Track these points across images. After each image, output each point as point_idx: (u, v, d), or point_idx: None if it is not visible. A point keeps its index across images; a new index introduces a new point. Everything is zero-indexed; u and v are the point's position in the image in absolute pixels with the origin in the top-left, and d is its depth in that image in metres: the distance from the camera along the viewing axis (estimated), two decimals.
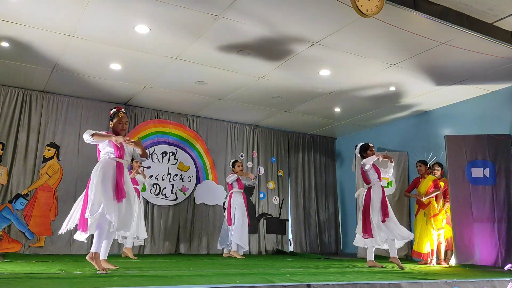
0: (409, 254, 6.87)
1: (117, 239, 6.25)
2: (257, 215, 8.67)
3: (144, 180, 6.70)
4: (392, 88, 6.79)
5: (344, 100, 7.40)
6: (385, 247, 5.33)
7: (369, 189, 5.36)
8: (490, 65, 5.77)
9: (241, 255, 6.81)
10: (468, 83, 6.46)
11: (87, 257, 3.78)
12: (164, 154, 8.03)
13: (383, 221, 5.13)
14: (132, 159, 4.28)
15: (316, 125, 9.09)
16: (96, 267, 3.73)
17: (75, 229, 3.83)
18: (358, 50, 5.51)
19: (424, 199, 6.37)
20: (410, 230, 7.35)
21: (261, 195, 8.83)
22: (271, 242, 8.70)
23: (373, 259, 5.27)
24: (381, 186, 5.37)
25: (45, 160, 6.98)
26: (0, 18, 4.82)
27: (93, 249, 3.76)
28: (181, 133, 8.26)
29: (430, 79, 6.37)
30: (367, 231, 5.17)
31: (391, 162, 5.48)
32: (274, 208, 8.94)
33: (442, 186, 6.55)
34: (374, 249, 5.30)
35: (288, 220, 9.07)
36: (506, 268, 5.30)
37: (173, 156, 8.11)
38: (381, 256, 6.17)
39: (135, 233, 6.11)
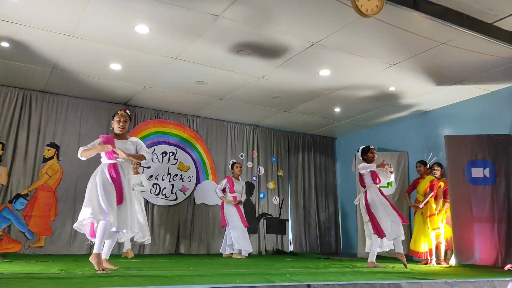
0: (408, 253, 6.87)
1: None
2: (257, 215, 8.67)
3: (143, 180, 6.69)
4: (392, 88, 6.79)
5: (344, 100, 7.40)
6: (386, 249, 5.36)
7: (365, 192, 5.44)
8: (490, 65, 5.77)
9: (241, 255, 6.81)
10: (468, 83, 6.46)
11: (90, 258, 3.80)
12: (164, 154, 8.03)
13: (404, 221, 5.19)
14: None
15: (316, 125, 9.10)
16: (96, 267, 3.73)
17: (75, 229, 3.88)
18: (358, 50, 5.51)
19: (421, 206, 6.39)
20: (409, 229, 7.39)
21: (261, 195, 8.83)
22: (271, 242, 8.70)
23: (374, 261, 5.27)
24: (377, 188, 5.41)
25: (45, 160, 6.98)
26: (0, 18, 4.82)
27: (95, 250, 3.79)
28: (181, 133, 8.26)
29: (430, 79, 6.37)
30: (379, 231, 5.16)
31: (391, 173, 5.49)
32: (274, 208, 8.94)
33: (442, 186, 6.55)
34: (377, 250, 5.30)
35: (288, 220, 9.07)
36: (506, 268, 5.29)
37: (173, 156, 8.11)
38: (381, 256, 6.17)
39: (141, 237, 6.14)
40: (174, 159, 8.11)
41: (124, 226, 3.91)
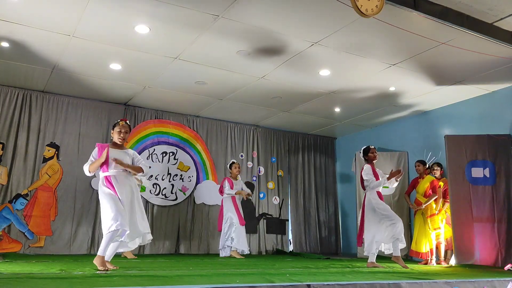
0: (409, 253, 6.87)
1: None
2: (257, 215, 8.67)
3: (140, 180, 6.67)
4: (392, 88, 6.79)
5: (344, 100, 7.40)
6: (386, 251, 5.37)
7: (365, 195, 5.49)
8: (490, 65, 5.77)
9: (240, 255, 6.81)
10: (468, 83, 6.46)
11: (94, 261, 3.84)
12: (164, 154, 8.03)
13: None
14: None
15: (316, 125, 9.10)
16: (99, 267, 3.75)
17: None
18: (358, 50, 5.51)
19: (423, 206, 6.39)
20: (409, 229, 7.39)
21: (261, 195, 8.83)
22: (271, 242, 8.70)
23: (374, 261, 5.27)
24: (376, 192, 5.42)
25: (45, 160, 6.98)
26: (0, 18, 4.82)
27: (99, 252, 3.85)
28: (181, 133, 8.26)
29: (430, 79, 6.37)
30: (359, 240, 5.48)
31: (397, 181, 5.50)
32: (274, 208, 8.94)
33: (441, 186, 6.55)
34: (377, 251, 5.30)
35: (288, 220, 9.07)
36: (506, 268, 5.29)
37: (173, 156, 8.11)
38: (381, 257, 6.17)
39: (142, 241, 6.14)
40: (174, 159, 8.11)
41: (136, 234, 4.06)
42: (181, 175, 8.10)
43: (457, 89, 6.71)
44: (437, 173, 6.72)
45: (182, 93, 7.17)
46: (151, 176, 7.73)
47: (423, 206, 6.40)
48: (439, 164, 6.82)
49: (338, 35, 5.08)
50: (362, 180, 5.56)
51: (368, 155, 5.56)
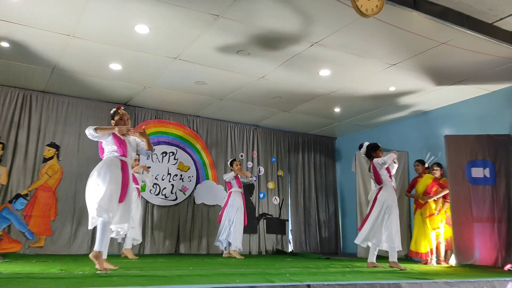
0: (408, 254, 6.87)
1: (117, 238, 6.24)
2: (257, 215, 8.67)
3: (146, 178, 6.67)
4: (392, 88, 6.79)
5: (344, 100, 7.40)
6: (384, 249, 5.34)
7: (379, 189, 5.33)
8: (490, 65, 5.77)
9: (240, 255, 6.81)
10: (468, 83, 6.46)
11: (90, 255, 3.77)
12: (164, 154, 8.03)
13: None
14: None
15: (316, 125, 9.10)
16: (98, 266, 3.73)
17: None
18: (358, 50, 5.51)
19: (433, 199, 6.37)
20: (409, 229, 7.39)
21: (261, 195, 8.83)
22: (271, 242, 8.70)
23: (374, 261, 5.26)
24: (393, 186, 5.37)
25: (45, 160, 6.98)
26: (0, 18, 4.82)
27: (96, 248, 3.74)
28: (181, 133, 8.26)
29: (430, 79, 6.37)
30: (361, 226, 5.29)
31: (395, 162, 5.50)
32: (274, 208, 8.94)
33: None
34: (376, 251, 5.28)
35: (288, 220, 9.07)
36: (506, 268, 5.29)
37: (173, 156, 8.11)
38: (381, 256, 6.17)
39: (133, 235, 6.12)
40: (174, 159, 8.11)
41: (124, 222, 3.89)
42: (181, 175, 8.10)
43: (457, 89, 6.71)
44: (437, 173, 6.72)
45: (182, 93, 7.17)
46: (151, 176, 7.71)
47: (434, 198, 6.36)
48: (439, 164, 6.82)
49: (338, 35, 5.08)
50: (377, 174, 5.35)
51: (377, 152, 5.45)
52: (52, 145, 7.07)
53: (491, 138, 6.32)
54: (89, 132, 3.91)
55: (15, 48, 5.55)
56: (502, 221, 6.03)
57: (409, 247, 6.73)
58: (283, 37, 5.18)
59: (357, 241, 5.33)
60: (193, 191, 8.15)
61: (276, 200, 9.00)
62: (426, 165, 6.80)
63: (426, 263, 6.33)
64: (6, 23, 4.92)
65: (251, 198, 8.62)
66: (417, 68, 5.98)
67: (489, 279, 3.75)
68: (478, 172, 6.25)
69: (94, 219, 3.79)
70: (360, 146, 5.66)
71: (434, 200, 6.44)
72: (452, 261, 6.28)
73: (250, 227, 8.06)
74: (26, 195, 6.73)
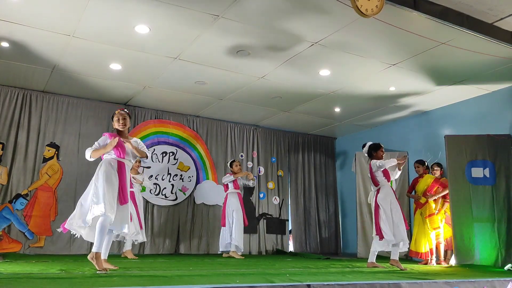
0: (408, 254, 6.87)
1: (117, 239, 6.24)
2: (257, 215, 8.67)
3: (142, 180, 6.66)
4: (392, 88, 6.79)
5: (344, 100, 7.40)
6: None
7: (377, 191, 5.31)
8: (490, 65, 5.77)
9: (240, 255, 6.81)
10: (468, 83, 6.46)
11: (88, 257, 3.79)
12: (164, 154, 8.03)
13: (407, 228, 5.13)
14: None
15: (316, 125, 9.10)
16: (97, 267, 3.73)
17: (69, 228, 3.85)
18: (358, 50, 5.51)
19: (434, 198, 6.37)
20: (410, 230, 7.38)
21: (261, 195, 8.83)
22: (271, 242, 8.70)
23: (374, 261, 5.25)
24: (391, 187, 5.34)
25: (45, 160, 6.98)
26: (0, 18, 4.82)
27: (94, 249, 3.77)
28: (181, 133, 8.26)
29: (430, 79, 6.37)
30: (379, 233, 5.10)
31: (400, 170, 5.45)
32: (274, 208, 8.94)
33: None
34: (377, 252, 5.27)
35: (288, 220, 9.07)
36: (506, 268, 5.29)
37: (173, 156, 8.11)
38: (382, 257, 6.17)
39: (135, 236, 6.11)
40: (174, 159, 8.11)
41: (125, 223, 3.93)
42: (181, 175, 8.10)
43: (457, 89, 6.71)
44: (437, 173, 6.72)
45: (182, 93, 7.17)
46: (151, 176, 7.72)
47: (435, 197, 6.37)
48: (439, 164, 6.82)
49: (338, 35, 5.08)
50: (373, 176, 5.32)
51: (378, 152, 5.38)
52: (52, 145, 7.07)
53: (491, 138, 6.32)
54: (87, 157, 4.06)
55: (15, 48, 5.55)
56: (502, 221, 6.03)
57: (409, 247, 6.72)
58: (283, 37, 5.18)
59: (404, 248, 5.16)
60: (193, 191, 8.15)
61: (276, 200, 9.00)
62: (426, 165, 6.80)
63: (426, 263, 6.33)
64: (6, 23, 4.92)
65: (251, 198, 8.62)
66: (417, 68, 5.98)
67: (489, 279, 3.75)
68: (478, 172, 6.25)
69: (93, 219, 3.79)
70: (364, 146, 5.64)
71: (434, 200, 6.45)
72: (452, 261, 6.28)
73: (250, 227, 8.06)
74: (26, 195, 6.73)
